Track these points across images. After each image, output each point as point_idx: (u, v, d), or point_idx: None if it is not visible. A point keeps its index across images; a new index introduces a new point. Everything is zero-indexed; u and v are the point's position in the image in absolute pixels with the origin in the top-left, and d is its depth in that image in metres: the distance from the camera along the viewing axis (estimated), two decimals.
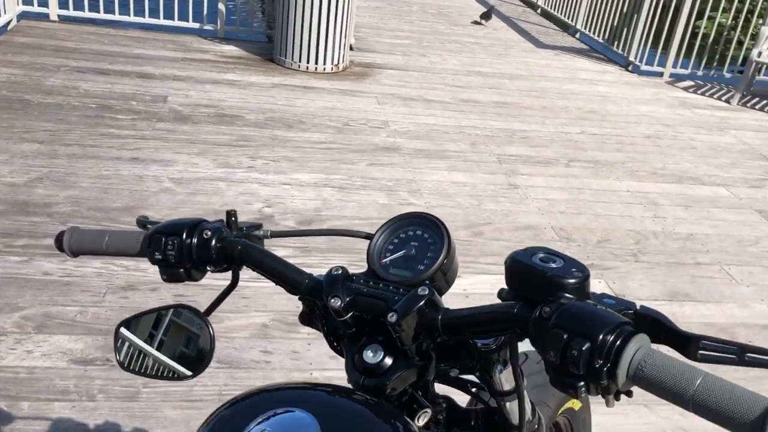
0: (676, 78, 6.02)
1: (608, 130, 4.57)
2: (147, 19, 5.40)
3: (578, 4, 7.02)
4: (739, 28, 6.41)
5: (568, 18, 7.27)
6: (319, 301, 0.80)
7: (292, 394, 0.74)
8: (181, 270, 0.85)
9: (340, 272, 0.79)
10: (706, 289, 2.88)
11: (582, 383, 0.62)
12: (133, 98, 4.01)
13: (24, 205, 2.79)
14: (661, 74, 6.01)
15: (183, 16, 5.42)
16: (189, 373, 0.86)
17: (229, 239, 0.85)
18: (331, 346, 0.82)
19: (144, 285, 2.41)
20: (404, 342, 0.73)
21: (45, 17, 5.22)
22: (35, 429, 1.81)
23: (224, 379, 2.06)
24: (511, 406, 0.85)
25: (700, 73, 6.06)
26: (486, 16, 7.00)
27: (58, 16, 5.27)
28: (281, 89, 4.49)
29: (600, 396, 0.64)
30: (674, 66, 5.98)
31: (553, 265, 0.69)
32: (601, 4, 6.59)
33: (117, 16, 5.38)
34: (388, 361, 0.75)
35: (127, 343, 0.88)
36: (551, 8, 7.75)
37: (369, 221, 3.01)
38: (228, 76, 4.61)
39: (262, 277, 0.86)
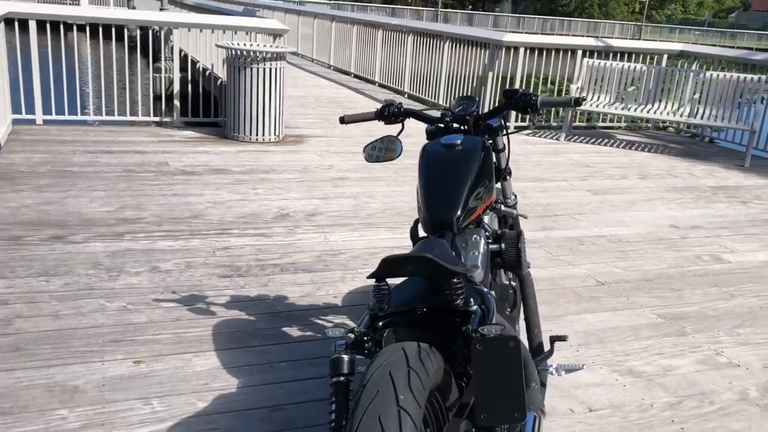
0: (519, 129, 8.17)
1: None
2: (115, 117, 6.79)
3: (438, 87, 9.15)
4: (555, 92, 8.77)
5: (432, 98, 9.37)
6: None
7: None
8: (391, 118, 2.44)
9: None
10: (562, 225, 4.68)
11: (529, 114, 2.29)
12: (143, 164, 5.38)
13: (124, 220, 4.12)
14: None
15: (142, 113, 6.85)
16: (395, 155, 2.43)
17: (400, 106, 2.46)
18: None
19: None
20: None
21: (32, 122, 6.46)
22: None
23: None
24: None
25: (534, 124, 8.27)
26: (390, 104, 8.98)
27: (43, 120, 6.53)
28: (246, 153, 6.02)
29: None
30: (514, 120, 8.14)
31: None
32: (457, 85, 8.73)
33: (91, 116, 6.73)
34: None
35: (367, 151, 2.44)
36: (416, 92, 9.85)
37: (347, 214, 4.59)
38: (201, 148, 6.08)
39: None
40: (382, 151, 2.48)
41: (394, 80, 10.39)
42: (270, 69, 6.30)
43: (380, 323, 1.75)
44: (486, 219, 2.29)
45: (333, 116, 8.14)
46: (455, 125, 2.40)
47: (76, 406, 2.33)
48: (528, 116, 9.39)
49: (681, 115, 7.37)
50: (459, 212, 2.03)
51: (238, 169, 5.49)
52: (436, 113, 2.50)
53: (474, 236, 2.11)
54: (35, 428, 2.21)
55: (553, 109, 8.78)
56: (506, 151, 2.47)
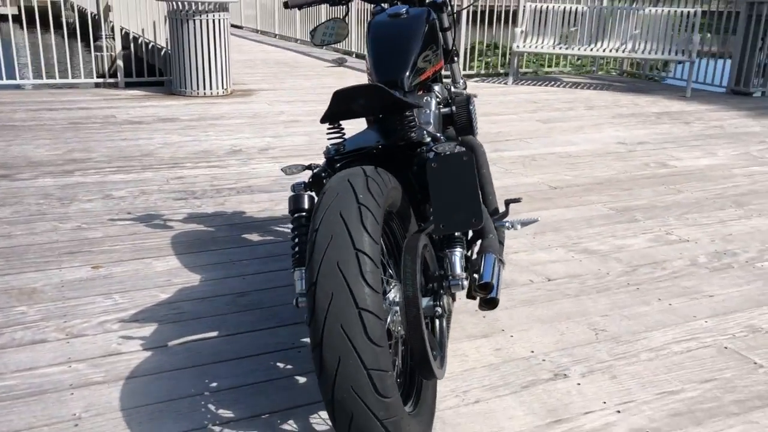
0: (467, 77, 8.23)
1: None
2: (56, 80, 6.61)
3: None
4: (501, 46, 8.87)
5: None
6: None
7: None
8: None
9: None
10: (513, 147, 4.76)
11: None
12: (89, 118, 5.27)
13: (72, 161, 4.04)
14: None
15: (85, 75, 6.69)
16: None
17: None
18: None
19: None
20: None
21: None
22: None
23: None
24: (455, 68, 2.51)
25: (483, 72, 8.34)
26: (340, 60, 9.01)
27: None
28: (194, 105, 5.94)
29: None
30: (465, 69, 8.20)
31: None
32: None
33: (30, 80, 6.54)
34: None
35: (317, 37, 2.44)
36: (365, 50, 9.82)
37: (301, 148, 4.58)
38: (147, 103, 5.97)
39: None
40: (332, 35, 2.48)
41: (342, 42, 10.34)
42: (213, 20, 6.21)
43: (337, 165, 1.76)
44: (437, 89, 2.32)
45: (281, 74, 8.08)
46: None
47: (35, 304, 2.29)
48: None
49: (623, 52, 7.53)
50: (408, 72, 2.04)
51: (187, 117, 5.41)
52: None
53: (425, 98, 2.14)
54: None
55: (500, 56, 8.88)
56: (452, 31, 2.49)
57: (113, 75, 6.85)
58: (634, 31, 7.55)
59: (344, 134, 1.80)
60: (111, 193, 3.46)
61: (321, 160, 4.23)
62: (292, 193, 1.72)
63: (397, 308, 1.54)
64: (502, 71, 8.52)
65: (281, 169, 1.82)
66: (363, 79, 7.82)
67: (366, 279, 1.31)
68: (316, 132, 5.02)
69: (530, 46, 7.68)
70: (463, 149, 1.60)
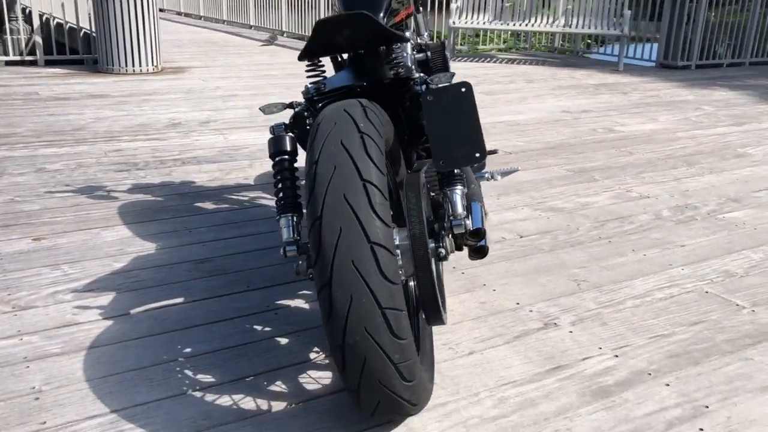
0: None
1: None
2: None
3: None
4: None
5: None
6: None
7: None
8: None
9: None
10: (498, 112, 4.69)
11: None
12: (8, 95, 4.90)
13: None
14: None
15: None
16: None
17: None
18: None
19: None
20: None
21: None
22: None
23: None
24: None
25: None
26: (271, 38, 8.76)
27: None
28: (124, 82, 5.62)
29: None
30: None
31: None
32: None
33: None
34: None
35: None
36: (295, 29, 9.60)
37: (244, 121, 4.39)
38: (72, 81, 5.61)
39: None
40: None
41: (270, 21, 10.07)
42: None
43: (319, 105, 1.63)
44: (408, 34, 2.21)
45: (211, 52, 7.78)
46: None
47: None
48: None
49: (558, 26, 7.60)
50: (383, 11, 1.93)
51: (118, 93, 5.11)
52: None
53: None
54: None
55: (434, 37, 8.83)
56: None
57: (31, 53, 6.42)
58: (567, 6, 7.63)
59: (325, 72, 1.67)
60: (44, 167, 3.20)
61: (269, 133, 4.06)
62: (272, 135, 1.58)
63: (398, 251, 1.43)
64: None
65: (259, 109, 1.67)
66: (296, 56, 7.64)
67: (377, 211, 1.20)
68: (256, 106, 4.83)
69: (466, 22, 7.65)
70: (461, 81, 1.49)
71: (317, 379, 1.60)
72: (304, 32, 9.34)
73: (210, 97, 5.09)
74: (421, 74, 1.69)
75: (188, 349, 1.71)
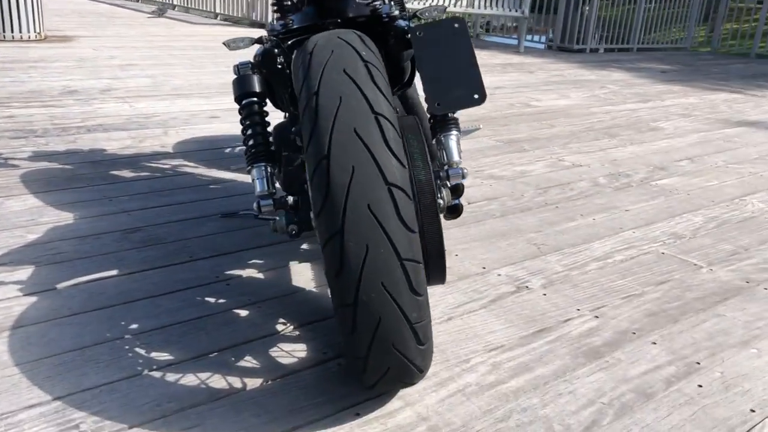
0: None
1: None
2: None
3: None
4: None
5: (207, 6, 8.73)
6: None
7: None
8: None
9: None
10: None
11: None
12: None
13: None
14: None
15: None
16: None
17: None
18: None
19: None
20: None
21: None
22: None
23: None
24: None
25: None
26: (160, 11, 8.20)
27: None
28: (2, 49, 5.08)
29: None
30: None
31: None
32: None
33: None
34: None
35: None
36: (187, 4, 9.12)
37: (147, 90, 4.05)
38: None
39: None
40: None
41: None
42: None
43: (288, 43, 1.45)
44: None
45: (98, 23, 7.23)
46: None
47: None
48: None
49: (460, 6, 7.61)
50: None
51: None
52: None
53: None
54: None
55: None
56: None
57: None
58: None
59: (292, 7, 1.48)
60: None
61: (178, 100, 3.76)
62: (237, 75, 1.38)
63: None
64: None
65: (223, 43, 1.46)
66: (193, 29, 7.23)
67: (392, 148, 1.04)
68: (159, 75, 4.48)
69: None
70: (453, 16, 1.36)
71: (291, 352, 1.42)
72: (194, 5, 8.88)
73: (106, 66, 4.69)
74: (399, 10, 1.54)
75: (134, 326, 1.49)
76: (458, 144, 1.35)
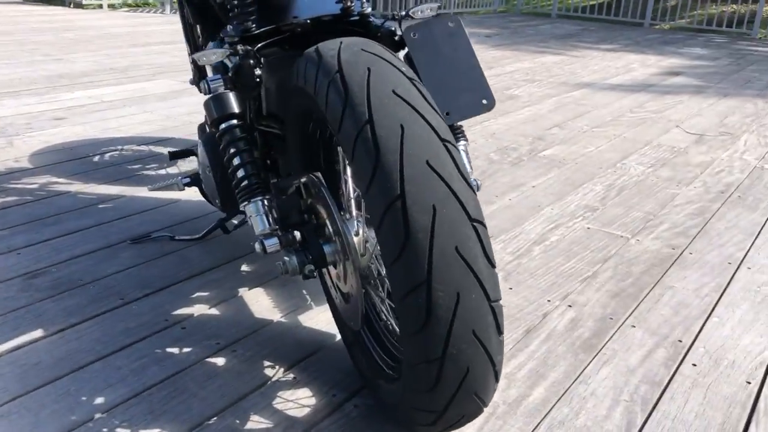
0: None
1: None
2: None
3: None
4: None
5: None
6: None
7: None
8: None
9: None
10: None
11: None
12: None
13: None
14: None
15: None
16: None
17: None
18: None
19: None
20: None
21: None
22: None
23: None
24: None
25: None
26: None
27: None
28: None
29: None
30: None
31: None
32: None
33: None
34: None
35: None
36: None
37: (88, 75, 3.47)
38: None
39: None
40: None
41: None
42: None
43: (257, 46, 1.25)
44: None
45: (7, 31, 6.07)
46: None
47: None
48: None
49: None
50: None
51: None
52: None
53: None
54: None
55: None
56: None
57: None
58: None
59: (250, 6, 1.28)
60: None
61: (6, 101, 3.25)
62: (211, 94, 1.17)
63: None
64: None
65: (193, 57, 1.22)
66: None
67: (466, 179, 0.93)
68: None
69: None
70: (446, 12, 1.25)
71: (296, 401, 1.27)
72: None
73: None
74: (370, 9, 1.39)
75: (100, 400, 1.24)
76: (467, 155, 1.25)
